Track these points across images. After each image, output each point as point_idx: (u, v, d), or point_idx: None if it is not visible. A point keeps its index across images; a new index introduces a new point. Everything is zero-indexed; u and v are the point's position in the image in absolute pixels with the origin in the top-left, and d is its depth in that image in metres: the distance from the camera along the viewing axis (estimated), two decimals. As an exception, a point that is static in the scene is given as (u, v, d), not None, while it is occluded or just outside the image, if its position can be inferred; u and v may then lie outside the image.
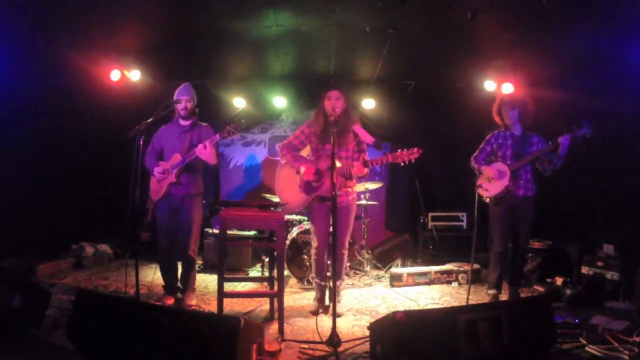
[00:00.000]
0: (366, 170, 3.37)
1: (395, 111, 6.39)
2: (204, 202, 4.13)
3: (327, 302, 3.70)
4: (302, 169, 3.50)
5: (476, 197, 3.94)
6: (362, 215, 5.34)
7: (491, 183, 3.87)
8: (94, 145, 5.55)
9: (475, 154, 4.07)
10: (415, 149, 3.11)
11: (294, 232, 4.75)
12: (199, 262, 5.24)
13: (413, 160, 3.14)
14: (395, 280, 4.68)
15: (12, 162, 4.69)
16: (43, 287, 3.32)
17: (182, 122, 3.85)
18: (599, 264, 4.10)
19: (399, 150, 3.16)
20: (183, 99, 3.77)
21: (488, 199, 3.91)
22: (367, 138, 3.53)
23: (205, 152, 3.55)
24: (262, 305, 3.83)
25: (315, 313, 3.39)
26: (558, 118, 4.61)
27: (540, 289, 4.32)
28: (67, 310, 3.21)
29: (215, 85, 6.13)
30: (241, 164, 6.83)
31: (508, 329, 2.39)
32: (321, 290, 3.67)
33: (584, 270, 4.23)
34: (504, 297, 4.15)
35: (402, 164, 3.15)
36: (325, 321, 3.42)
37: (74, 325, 2.46)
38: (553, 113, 4.73)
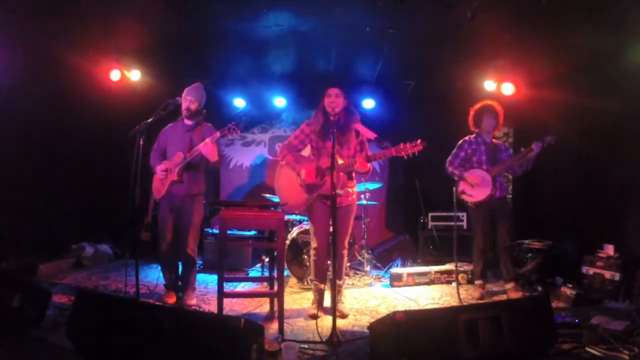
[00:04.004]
0: (369, 165, 3.35)
1: (395, 111, 6.39)
2: (204, 202, 4.13)
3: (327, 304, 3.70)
4: (303, 172, 3.50)
5: (455, 200, 4.16)
6: (362, 215, 5.34)
7: (474, 189, 4.13)
8: (94, 145, 5.56)
9: (450, 160, 4.30)
10: (419, 141, 3.09)
11: (294, 232, 4.75)
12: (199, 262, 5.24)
13: (417, 153, 3.11)
14: (395, 280, 4.67)
15: (12, 162, 4.69)
16: (43, 287, 3.32)
17: (187, 122, 3.87)
18: (599, 264, 4.10)
19: (402, 143, 3.14)
20: (188, 98, 3.80)
21: (472, 204, 4.16)
22: (370, 134, 3.53)
23: (207, 148, 3.57)
24: (262, 305, 3.83)
25: (315, 317, 3.38)
26: (558, 118, 4.62)
27: (540, 289, 4.32)
28: (67, 310, 3.20)
29: (215, 85, 6.14)
30: (241, 164, 6.83)
31: (508, 329, 2.38)
32: (320, 294, 3.65)
33: (584, 270, 4.23)
34: (502, 296, 4.17)
35: (406, 157, 3.13)
36: (325, 321, 3.42)
37: (74, 325, 2.45)
38: (553, 113, 4.73)
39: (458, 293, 4.09)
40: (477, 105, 4.28)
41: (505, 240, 4.14)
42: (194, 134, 3.81)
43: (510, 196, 5.67)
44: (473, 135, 4.30)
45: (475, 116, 4.25)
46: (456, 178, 4.22)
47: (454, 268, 4.89)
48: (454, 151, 4.31)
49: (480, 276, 4.27)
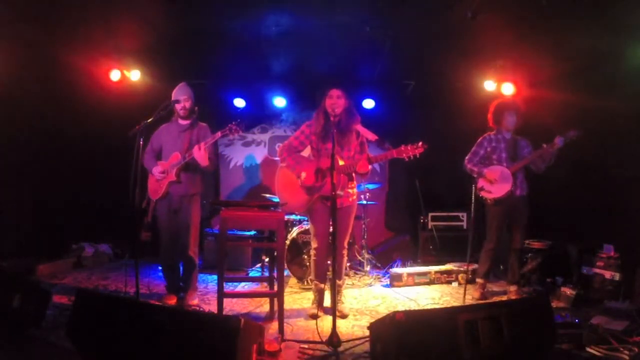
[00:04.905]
0: (370, 167, 3.35)
1: (395, 111, 6.40)
2: (204, 202, 4.13)
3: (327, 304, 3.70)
4: (303, 175, 3.49)
5: (473, 197, 4.06)
6: (362, 215, 5.34)
7: (493, 185, 4.01)
8: (94, 145, 5.56)
9: (469, 157, 4.20)
10: (420, 143, 3.07)
11: (294, 232, 4.75)
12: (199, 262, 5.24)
13: (418, 155, 3.09)
14: (395, 280, 4.67)
15: (12, 162, 4.70)
16: (43, 287, 3.32)
17: (182, 122, 3.86)
18: (599, 264, 4.10)
19: (403, 145, 3.13)
20: (182, 98, 3.79)
21: (490, 201, 4.02)
22: (371, 136, 3.52)
23: (199, 153, 3.57)
24: (262, 305, 3.83)
25: (315, 317, 3.39)
26: (558, 118, 4.62)
27: (540, 289, 4.32)
28: (67, 310, 3.21)
29: (215, 85, 6.13)
30: (241, 164, 6.83)
31: (508, 329, 2.38)
32: (320, 293, 3.66)
33: (584, 270, 4.23)
34: (502, 296, 4.16)
35: (407, 159, 3.12)
36: (325, 321, 3.42)
37: (74, 325, 2.45)
38: (553, 113, 4.73)
39: (464, 294, 4.06)
40: (497, 102, 4.16)
41: (518, 242, 4.08)
42: (192, 135, 3.81)
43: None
44: (493, 132, 4.17)
45: (496, 113, 4.12)
46: (475, 175, 4.12)
47: (454, 268, 4.90)
48: (473, 149, 4.20)
49: (483, 275, 4.20)
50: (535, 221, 4.92)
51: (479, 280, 4.25)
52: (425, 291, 4.53)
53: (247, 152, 6.85)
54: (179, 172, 3.73)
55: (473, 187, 4.09)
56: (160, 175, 3.77)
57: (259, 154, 6.85)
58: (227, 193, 6.76)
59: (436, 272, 4.82)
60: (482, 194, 4.06)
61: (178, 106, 3.79)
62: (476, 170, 4.10)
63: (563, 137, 3.81)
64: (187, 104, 3.80)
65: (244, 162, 6.83)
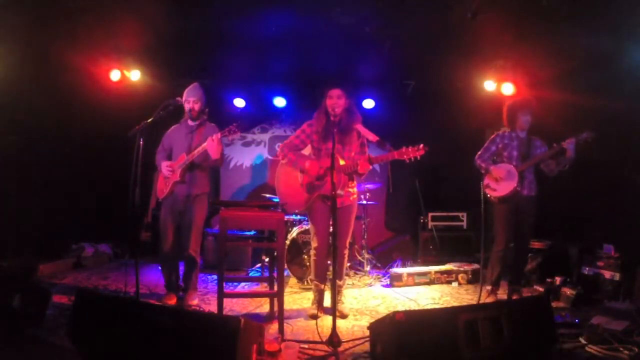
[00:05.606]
0: (369, 167, 3.36)
1: (395, 111, 6.40)
2: (207, 202, 4.13)
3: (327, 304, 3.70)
4: (307, 164, 3.48)
5: (482, 196, 3.99)
6: (362, 215, 5.34)
7: (499, 183, 3.94)
8: (94, 145, 5.56)
9: (480, 153, 4.12)
10: (422, 145, 3.06)
11: (294, 232, 4.75)
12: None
13: (419, 157, 3.09)
14: (395, 280, 4.67)
15: (12, 162, 4.69)
16: (43, 287, 3.32)
17: (190, 123, 3.87)
18: (599, 264, 4.10)
19: (404, 147, 3.12)
20: (191, 100, 3.80)
21: (495, 199, 3.96)
22: (371, 137, 3.52)
23: (212, 144, 3.55)
24: (262, 305, 3.83)
25: (315, 317, 3.39)
26: (558, 118, 4.62)
27: (540, 289, 4.32)
28: (67, 310, 3.21)
29: (215, 85, 6.14)
30: (241, 164, 6.83)
31: (508, 329, 2.38)
32: (320, 293, 3.66)
33: (584, 270, 4.23)
34: (503, 295, 4.16)
35: (408, 161, 3.12)
36: (325, 321, 3.42)
37: (74, 325, 2.46)
38: (553, 113, 4.73)
39: (479, 295, 3.99)
40: (510, 103, 4.07)
41: (524, 242, 4.01)
42: (196, 135, 3.81)
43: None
44: (507, 130, 4.07)
45: (510, 114, 4.02)
46: (483, 171, 4.05)
47: (454, 268, 4.90)
48: (485, 145, 4.12)
49: (493, 282, 3.98)
50: (535, 221, 4.92)
51: (489, 287, 4.02)
52: (425, 291, 4.53)
53: (248, 152, 6.84)
54: (184, 172, 3.74)
55: (481, 184, 4.03)
56: (168, 171, 3.77)
57: (259, 154, 6.85)
58: (230, 193, 6.75)
59: (436, 272, 4.82)
60: (487, 191, 4.00)
61: (186, 107, 3.81)
62: (484, 166, 4.04)
63: (575, 139, 3.68)
64: (196, 106, 3.81)
65: (244, 162, 6.82)
